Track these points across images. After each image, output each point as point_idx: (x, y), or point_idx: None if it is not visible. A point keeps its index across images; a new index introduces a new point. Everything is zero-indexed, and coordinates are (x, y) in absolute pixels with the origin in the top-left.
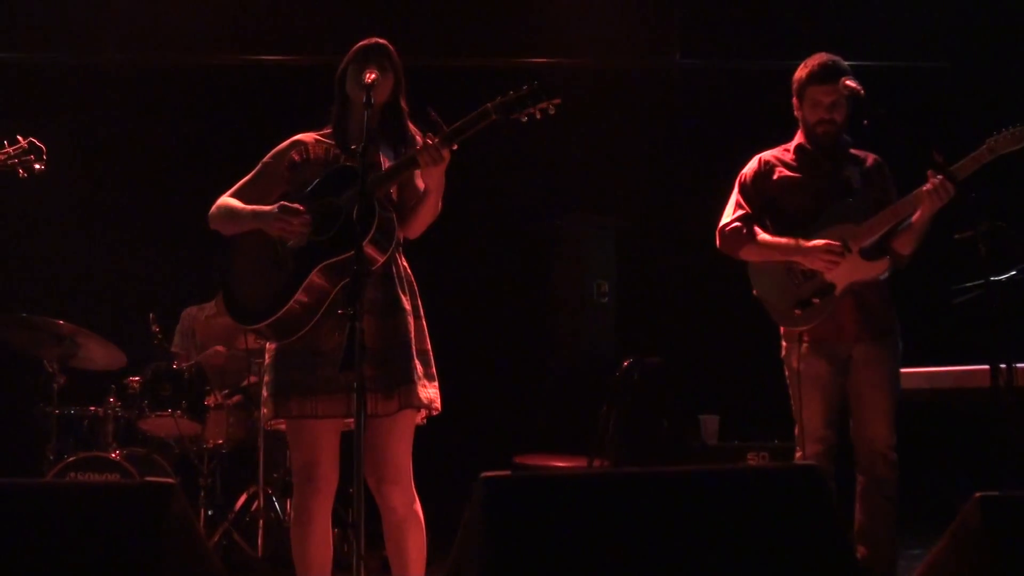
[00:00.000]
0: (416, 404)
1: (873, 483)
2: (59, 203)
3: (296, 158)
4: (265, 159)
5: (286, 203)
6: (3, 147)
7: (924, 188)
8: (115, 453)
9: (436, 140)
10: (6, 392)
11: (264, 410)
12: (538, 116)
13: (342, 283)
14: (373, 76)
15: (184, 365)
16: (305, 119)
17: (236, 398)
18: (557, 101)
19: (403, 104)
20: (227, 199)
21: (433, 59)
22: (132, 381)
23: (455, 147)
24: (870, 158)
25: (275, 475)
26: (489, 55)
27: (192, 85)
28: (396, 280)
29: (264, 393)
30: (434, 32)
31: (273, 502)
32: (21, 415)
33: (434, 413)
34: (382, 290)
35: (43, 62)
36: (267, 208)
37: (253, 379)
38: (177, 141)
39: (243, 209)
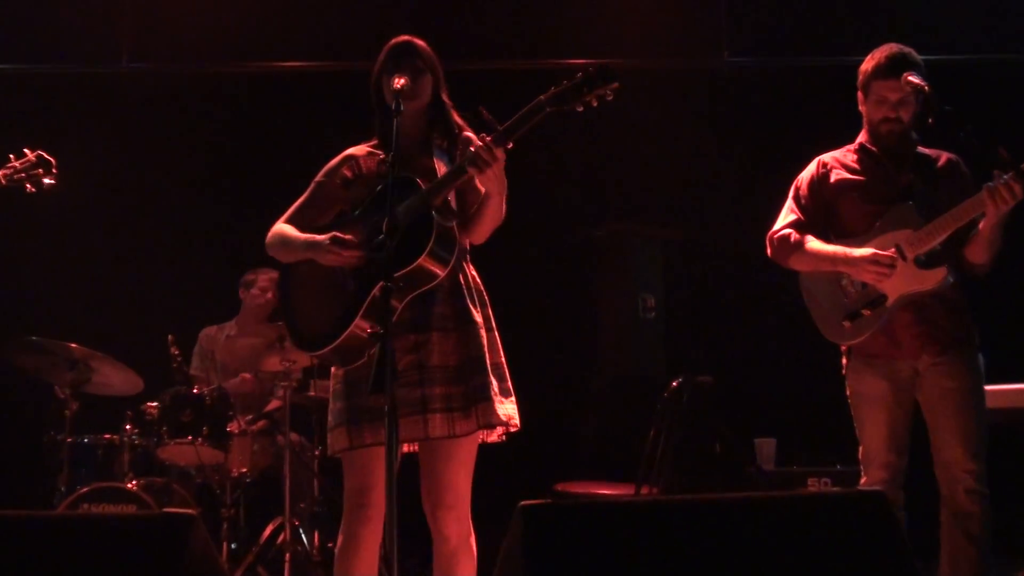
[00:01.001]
0: (495, 422)
1: (955, 518)
2: (71, 219)
3: (348, 175)
4: (317, 178)
5: (338, 234)
6: (10, 161)
7: (986, 188)
8: (132, 483)
9: (487, 141)
10: (16, 420)
11: (334, 439)
12: (594, 103)
13: (407, 300)
14: (402, 83)
15: (205, 389)
16: (333, 128)
17: (260, 424)
18: (616, 85)
19: (446, 99)
20: (282, 226)
21: (474, 63)
22: (150, 407)
23: (510, 146)
24: (943, 157)
25: (302, 505)
26: (531, 56)
27: (209, 96)
28: (465, 291)
29: (331, 421)
30: (476, 35)
31: (300, 534)
32: (31, 444)
33: (512, 430)
34: (450, 303)
35: (55, 73)
36: (320, 238)
37: (277, 403)
38: (196, 155)
39: (297, 238)
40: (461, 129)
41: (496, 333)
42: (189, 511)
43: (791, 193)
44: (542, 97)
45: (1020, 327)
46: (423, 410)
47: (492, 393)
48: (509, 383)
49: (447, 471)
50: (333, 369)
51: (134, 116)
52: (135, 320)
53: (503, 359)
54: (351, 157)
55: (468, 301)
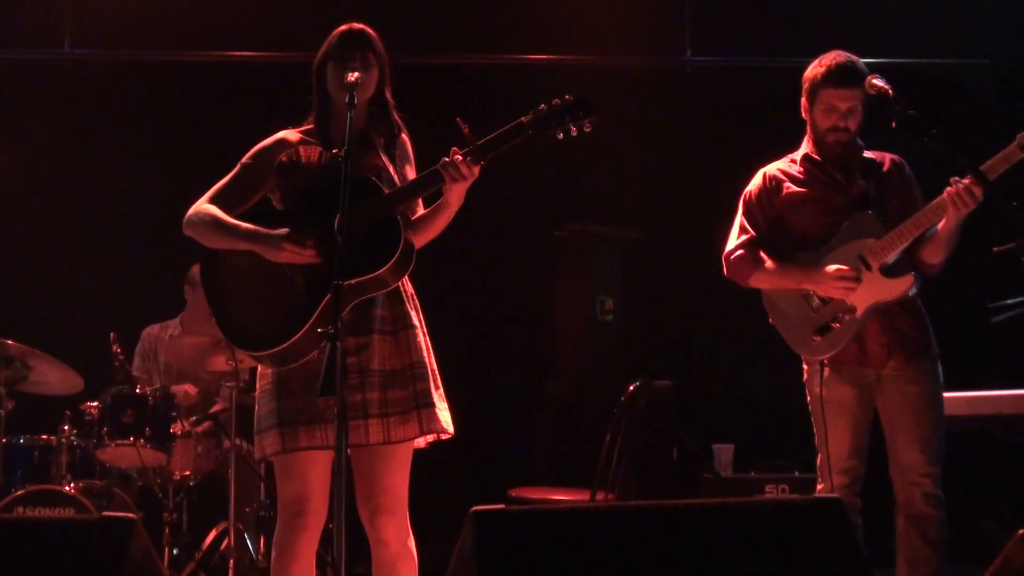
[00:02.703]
0: (437, 429)
1: (911, 521)
2: (8, 209)
3: (285, 160)
4: (244, 160)
5: (294, 233)
6: None
7: (947, 193)
8: (70, 486)
9: (463, 155)
10: None
11: (265, 442)
12: (574, 133)
13: (352, 304)
14: (356, 76)
15: (148, 389)
16: (284, 120)
17: (205, 425)
18: (594, 118)
19: (389, 97)
20: (208, 206)
21: (431, 57)
22: (90, 407)
23: (484, 163)
24: (887, 160)
25: (247, 510)
26: (490, 51)
27: (155, 85)
28: (403, 295)
29: (259, 424)
30: (432, 28)
31: (245, 540)
32: None
33: (444, 437)
34: (390, 307)
35: None
36: (271, 233)
37: (222, 404)
38: (141, 145)
39: (235, 225)
40: (400, 129)
41: (428, 340)
42: (129, 515)
43: (741, 209)
44: (523, 119)
45: (971, 335)
46: (364, 415)
47: (434, 399)
48: (442, 389)
49: (384, 475)
50: (260, 368)
51: (76, 105)
52: (75, 316)
53: (435, 365)
54: (285, 142)
55: (407, 305)
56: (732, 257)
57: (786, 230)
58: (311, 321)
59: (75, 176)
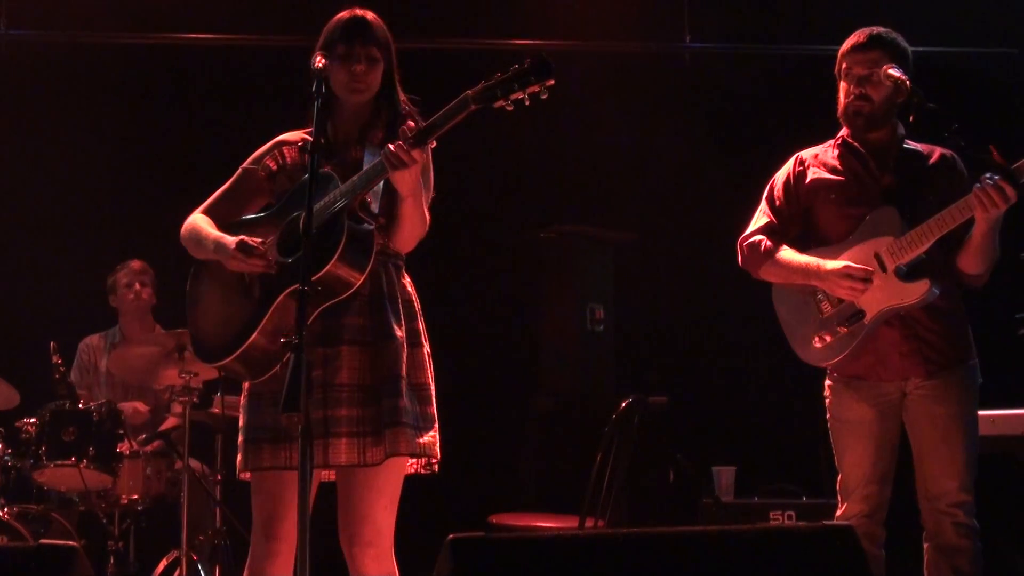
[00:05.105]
0: (404, 451)
1: (941, 553)
2: None
3: (272, 166)
4: (245, 164)
5: (246, 238)
6: None
7: (975, 191)
8: (3, 511)
9: (405, 140)
10: None
11: (239, 458)
12: (527, 103)
13: (319, 311)
14: (323, 63)
15: (92, 404)
16: (241, 113)
17: (155, 444)
18: (550, 82)
19: (400, 91)
20: (197, 217)
21: (418, 41)
22: (26, 423)
23: (433, 145)
24: (936, 153)
25: (201, 538)
26: (480, 36)
27: (99, 71)
28: (387, 302)
29: (240, 439)
30: (418, 11)
31: (199, 570)
32: None
33: (432, 462)
34: (368, 314)
35: None
36: (227, 240)
37: (174, 421)
38: (84, 136)
39: (207, 236)
40: (405, 120)
41: (425, 350)
42: (70, 543)
43: (765, 193)
44: (468, 92)
45: (996, 348)
46: (325, 434)
47: (403, 418)
48: (433, 408)
49: (363, 503)
50: (244, 384)
51: (11, 92)
52: (10, 325)
53: (430, 380)
54: (281, 144)
55: (389, 313)
56: (745, 244)
57: (811, 222)
58: (258, 330)
59: (10, 172)
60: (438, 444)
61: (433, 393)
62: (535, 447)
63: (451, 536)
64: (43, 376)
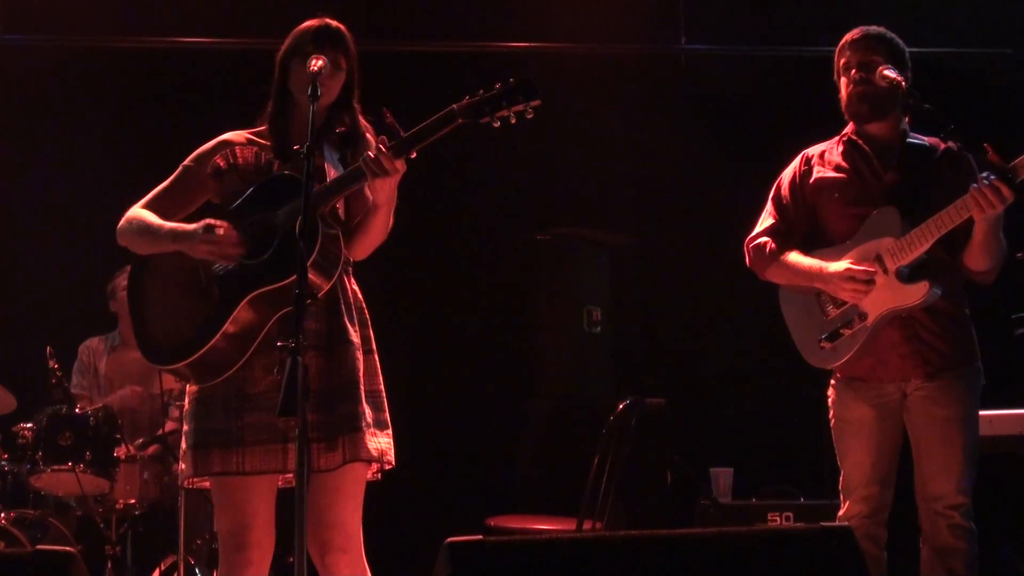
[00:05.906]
0: (364, 457)
1: (936, 554)
2: None
3: (222, 164)
4: (186, 162)
5: (212, 221)
6: None
7: (971, 191)
8: (0, 516)
9: (387, 149)
10: None
11: (183, 466)
12: (513, 121)
13: (278, 315)
14: (320, 63)
15: (89, 409)
16: (233, 115)
17: (152, 449)
18: (536, 103)
19: (356, 104)
20: (140, 211)
21: (413, 44)
22: (23, 429)
23: (413, 155)
24: (940, 147)
25: (198, 542)
26: (474, 39)
27: (93, 75)
28: (343, 308)
29: (183, 445)
30: (412, 13)
31: (196, 574)
32: None
33: (387, 467)
34: (325, 320)
35: None
36: (190, 227)
37: (172, 426)
38: (79, 140)
39: (160, 226)
40: (365, 131)
41: (375, 357)
42: (67, 548)
43: (771, 193)
44: (455, 106)
45: (993, 348)
46: (283, 439)
47: (363, 424)
48: (387, 414)
49: (332, 509)
50: (187, 386)
51: (6, 96)
52: (7, 330)
53: (382, 387)
54: (227, 144)
55: (345, 319)
56: (751, 246)
57: (817, 222)
58: (219, 333)
59: (6, 175)
60: (392, 450)
61: (385, 400)
62: (533, 449)
63: (449, 539)
64: (40, 381)
